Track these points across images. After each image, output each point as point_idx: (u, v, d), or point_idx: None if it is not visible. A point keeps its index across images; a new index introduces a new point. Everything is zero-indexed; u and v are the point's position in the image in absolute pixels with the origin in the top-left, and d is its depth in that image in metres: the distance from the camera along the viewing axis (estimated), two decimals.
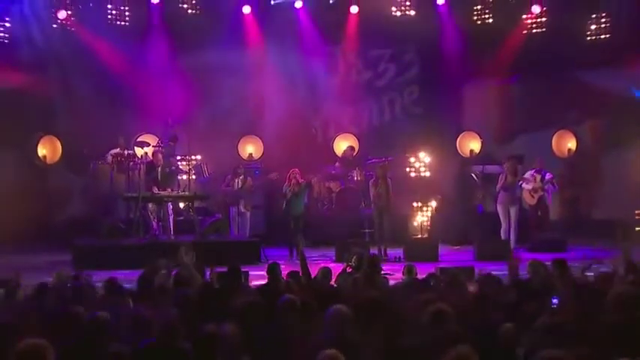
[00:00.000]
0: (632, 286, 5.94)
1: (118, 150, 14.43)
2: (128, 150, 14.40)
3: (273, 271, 7.48)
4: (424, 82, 17.03)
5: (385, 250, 12.84)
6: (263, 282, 7.64)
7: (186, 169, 14.17)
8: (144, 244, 12.18)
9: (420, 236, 13.72)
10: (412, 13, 16.97)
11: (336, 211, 15.23)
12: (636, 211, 15.28)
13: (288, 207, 13.19)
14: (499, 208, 13.41)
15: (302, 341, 4.87)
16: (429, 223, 14.06)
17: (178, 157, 14.29)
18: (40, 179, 15.20)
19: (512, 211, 13.33)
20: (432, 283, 7.30)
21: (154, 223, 13.21)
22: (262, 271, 9.10)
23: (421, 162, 16.34)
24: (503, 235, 13.28)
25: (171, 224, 13.13)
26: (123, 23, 16.06)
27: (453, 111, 16.51)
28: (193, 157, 14.51)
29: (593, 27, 16.15)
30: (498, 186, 13.50)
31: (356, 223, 14.11)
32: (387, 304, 5.41)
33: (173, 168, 13.85)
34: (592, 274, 7.75)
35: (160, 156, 13.40)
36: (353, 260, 8.40)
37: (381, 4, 16.84)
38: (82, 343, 4.67)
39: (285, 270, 7.95)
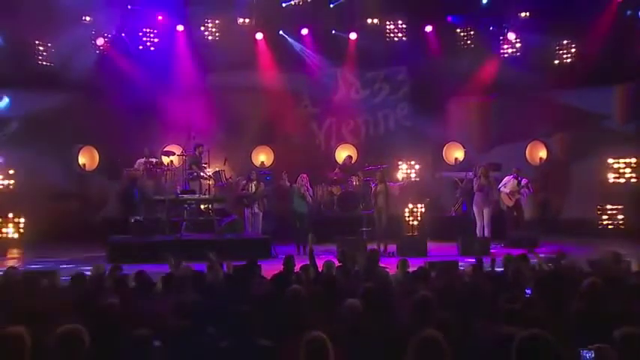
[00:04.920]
0: (596, 278, 5.86)
1: (143, 159, 14.41)
2: (153, 158, 14.38)
3: (288, 262, 7.44)
4: (414, 100, 17.04)
5: (386, 247, 12.71)
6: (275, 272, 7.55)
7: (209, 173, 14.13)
8: (169, 241, 12.13)
9: (411, 234, 13.64)
10: (404, 39, 16.99)
11: (338, 212, 15.18)
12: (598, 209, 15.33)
13: (293, 206, 13.18)
14: (474, 209, 13.25)
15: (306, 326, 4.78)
16: (419, 222, 13.98)
17: (205, 165, 14.17)
18: (79, 184, 15.19)
19: (486, 211, 13.15)
20: (422, 275, 7.24)
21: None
22: (273, 264, 9.07)
23: (412, 169, 16.32)
24: (478, 233, 13.15)
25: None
26: (152, 48, 16.09)
27: (439, 124, 16.46)
28: (213, 165, 14.48)
29: (560, 52, 16.14)
30: (474, 188, 13.41)
31: (355, 223, 14.03)
32: (383, 294, 5.34)
33: (195, 174, 13.80)
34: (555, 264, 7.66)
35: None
36: (342, 256, 8.41)
37: (376, 31, 16.86)
38: (113, 327, 4.60)
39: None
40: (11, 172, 14.47)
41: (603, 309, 4.90)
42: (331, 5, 16.36)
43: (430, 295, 4.84)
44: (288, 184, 14.00)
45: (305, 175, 13.38)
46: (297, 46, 16.59)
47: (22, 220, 14.30)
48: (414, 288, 5.56)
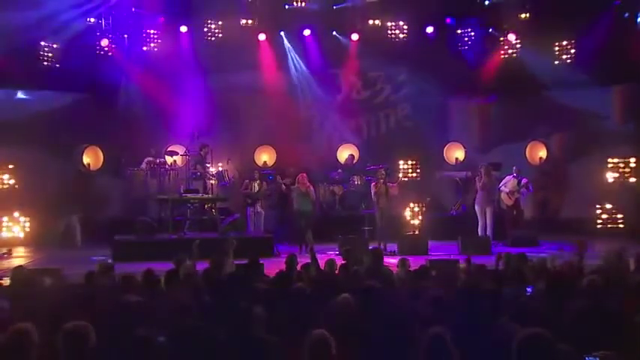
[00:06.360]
0: (597, 275, 5.86)
1: (150, 158, 14.42)
2: (159, 158, 14.40)
3: (291, 261, 7.45)
4: (415, 100, 17.02)
5: (385, 246, 12.70)
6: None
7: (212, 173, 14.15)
8: (173, 240, 12.14)
9: (412, 233, 13.62)
10: (405, 40, 16.99)
11: (340, 211, 15.18)
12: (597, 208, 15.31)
13: (297, 206, 13.17)
14: (477, 208, 13.23)
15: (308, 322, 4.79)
16: (420, 221, 13.98)
17: (208, 165, 14.17)
18: (84, 183, 15.19)
19: (488, 210, 13.12)
20: (423, 273, 7.25)
21: None
22: (275, 263, 9.06)
23: (413, 168, 16.32)
24: (480, 232, 13.12)
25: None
26: (156, 49, 16.09)
27: (440, 124, 16.47)
28: (215, 164, 14.50)
29: (560, 52, 16.12)
30: (477, 187, 13.41)
31: (357, 222, 14.03)
32: (385, 292, 5.34)
33: (198, 174, 13.80)
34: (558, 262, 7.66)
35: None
36: (345, 254, 8.45)
37: (378, 32, 16.86)
38: (120, 325, 4.60)
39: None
40: (16, 171, 14.49)
41: (602, 306, 4.89)
42: (334, 7, 16.37)
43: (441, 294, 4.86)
44: (284, 186, 14.06)
45: (304, 174, 13.34)
46: (292, 50, 16.59)
47: (27, 219, 14.34)
48: (416, 285, 5.57)
